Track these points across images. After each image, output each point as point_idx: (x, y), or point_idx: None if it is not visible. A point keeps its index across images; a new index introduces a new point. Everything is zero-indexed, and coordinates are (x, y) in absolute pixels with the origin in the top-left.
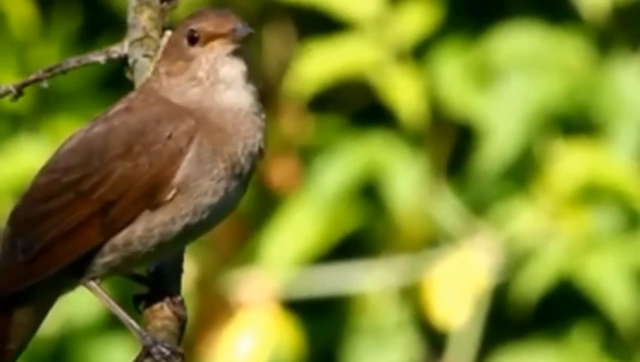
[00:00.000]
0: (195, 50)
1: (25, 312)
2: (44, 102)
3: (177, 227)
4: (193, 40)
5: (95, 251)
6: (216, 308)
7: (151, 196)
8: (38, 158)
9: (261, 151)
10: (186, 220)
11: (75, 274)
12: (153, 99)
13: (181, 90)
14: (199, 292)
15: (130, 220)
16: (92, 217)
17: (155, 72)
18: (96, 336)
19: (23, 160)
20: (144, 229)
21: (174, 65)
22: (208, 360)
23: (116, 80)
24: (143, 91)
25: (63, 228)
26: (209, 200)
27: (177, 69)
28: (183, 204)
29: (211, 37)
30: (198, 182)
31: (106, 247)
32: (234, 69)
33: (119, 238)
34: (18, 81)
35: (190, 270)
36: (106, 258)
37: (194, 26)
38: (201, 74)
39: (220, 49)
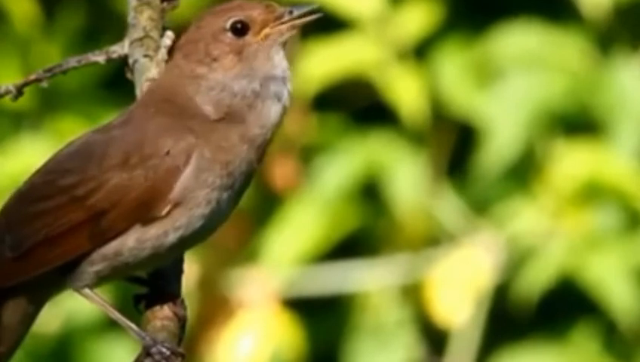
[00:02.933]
0: (247, 39)
1: (12, 314)
2: (46, 101)
3: (170, 239)
4: (240, 31)
5: (85, 258)
6: (217, 307)
7: (144, 210)
8: (39, 156)
9: (256, 165)
10: (180, 232)
11: (63, 277)
12: (160, 106)
13: (228, 87)
14: (200, 291)
15: (122, 231)
16: (83, 224)
17: (189, 74)
18: (98, 334)
19: (25, 158)
20: (136, 241)
21: (223, 60)
22: (209, 358)
23: (118, 79)
24: (151, 95)
25: (53, 230)
26: (202, 210)
27: (229, 63)
28: (177, 216)
29: (264, 24)
30: (194, 194)
31: (96, 256)
32: (284, 59)
33: (110, 248)
34: (21, 78)
35: (191, 269)
36: (96, 267)
37: (239, 16)
38: (257, 63)
39: (275, 35)
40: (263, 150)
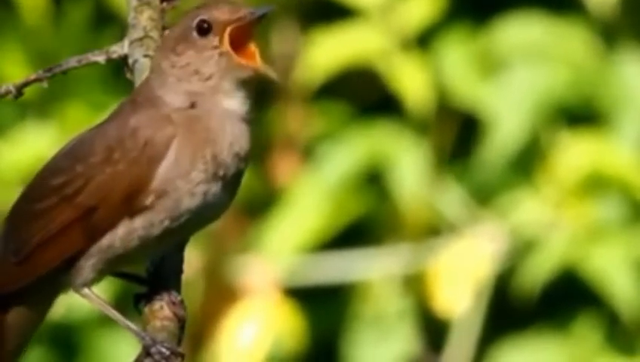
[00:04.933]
0: (208, 40)
1: (18, 317)
2: (51, 89)
3: (157, 230)
4: (204, 30)
5: (81, 254)
6: (219, 295)
7: (130, 202)
8: (45, 145)
9: (246, 155)
10: (165, 224)
11: (63, 277)
12: (142, 100)
13: (186, 83)
14: (202, 280)
15: (112, 225)
16: (75, 222)
17: (156, 68)
18: (100, 326)
19: (30, 147)
20: (125, 233)
21: (182, 56)
22: (211, 347)
23: (124, 67)
24: (137, 93)
25: (48, 231)
26: (188, 203)
27: (187, 60)
28: (161, 208)
29: (226, 25)
30: (175, 186)
31: (91, 251)
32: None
33: (103, 242)
34: (27, 70)
35: (193, 258)
36: (92, 261)
37: (204, 16)
38: (216, 63)
39: (235, 35)
40: (249, 137)
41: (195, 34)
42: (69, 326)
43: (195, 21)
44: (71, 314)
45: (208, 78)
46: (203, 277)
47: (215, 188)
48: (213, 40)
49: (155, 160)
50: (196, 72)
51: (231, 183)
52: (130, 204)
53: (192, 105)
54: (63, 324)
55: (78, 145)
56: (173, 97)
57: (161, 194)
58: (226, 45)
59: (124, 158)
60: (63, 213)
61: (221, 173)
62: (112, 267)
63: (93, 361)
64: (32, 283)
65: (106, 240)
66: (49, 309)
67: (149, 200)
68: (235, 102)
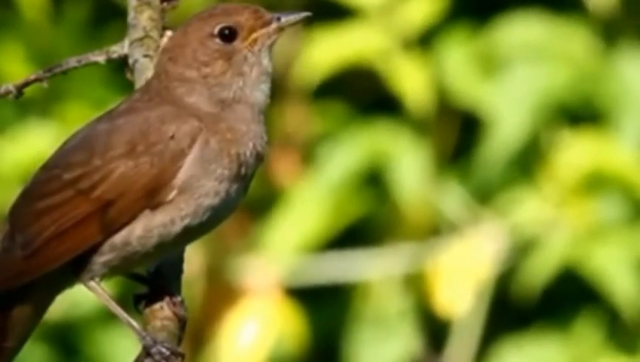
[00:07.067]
0: (236, 45)
1: (23, 309)
2: (52, 88)
3: (177, 228)
4: (228, 37)
5: (94, 250)
6: (220, 295)
7: (151, 197)
8: (46, 143)
9: (264, 154)
10: (186, 221)
11: (73, 271)
12: (159, 100)
13: (220, 90)
14: (204, 279)
15: (130, 220)
16: (91, 215)
17: (178, 78)
18: (102, 322)
19: (32, 145)
20: (143, 230)
21: (213, 67)
22: (212, 346)
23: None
24: (150, 95)
25: (62, 225)
26: (210, 201)
27: (221, 70)
28: (184, 204)
29: (251, 30)
30: (200, 183)
31: (105, 246)
32: (270, 60)
33: (118, 238)
34: (27, 67)
35: (194, 257)
36: (105, 257)
37: (227, 23)
38: (246, 68)
39: (263, 39)
40: (266, 137)
41: (218, 41)
42: (69, 325)
43: (217, 28)
44: (71, 314)
45: (244, 85)
46: (204, 277)
47: (235, 186)
48: (240, 46)
49: (181, 154)
50: (232, 80)
51: (248, 181)
52: (151, 199)
53: (222, 109)
54: (64, 323)
55: (89, 140)
56: (206, 104)
57: (184, 191)
58: (256, 51)
59: (147, 151)
60: (78, 207)
61: (243, 171)
62: (126, 265)
63: (94, 360)
64: (40, 278)
65: (122, 237)
66: (52, 302)
67: (171, 196)
68: (257, 104)
